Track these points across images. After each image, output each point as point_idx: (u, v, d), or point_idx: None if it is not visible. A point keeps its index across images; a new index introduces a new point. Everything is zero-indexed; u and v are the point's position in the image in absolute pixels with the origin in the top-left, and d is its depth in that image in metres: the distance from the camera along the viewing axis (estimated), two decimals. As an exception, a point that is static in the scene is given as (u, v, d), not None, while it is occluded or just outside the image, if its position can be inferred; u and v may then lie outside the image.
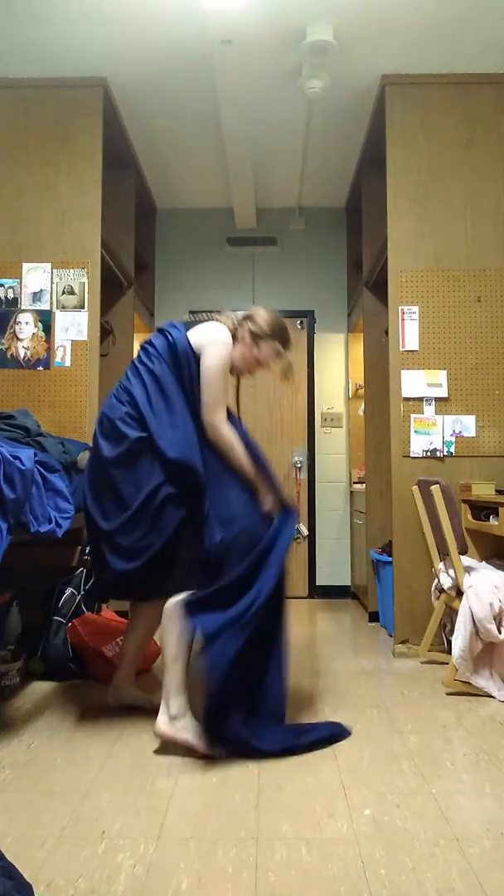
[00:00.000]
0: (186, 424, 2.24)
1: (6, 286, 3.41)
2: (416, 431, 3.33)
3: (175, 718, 2.09)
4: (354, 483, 4.73)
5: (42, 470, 2.33)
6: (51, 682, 2.80)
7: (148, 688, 2.69)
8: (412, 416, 3.33)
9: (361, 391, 4.51)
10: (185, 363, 2.27)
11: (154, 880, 1.43)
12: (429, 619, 3.08)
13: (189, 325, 2.36)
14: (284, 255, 5.07)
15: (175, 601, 2.12)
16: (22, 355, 3.37)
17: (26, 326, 3.39)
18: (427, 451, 3.32)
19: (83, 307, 3.40)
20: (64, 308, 3.40)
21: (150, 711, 2.40)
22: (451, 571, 2.81)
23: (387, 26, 3.09)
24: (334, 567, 4.89)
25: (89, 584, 3.10)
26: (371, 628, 3.88)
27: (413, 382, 3.34)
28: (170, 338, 2.31)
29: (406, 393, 3.34)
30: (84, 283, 3.40)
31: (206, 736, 2.05)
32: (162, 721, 2.08)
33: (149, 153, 4.26)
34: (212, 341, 2.30)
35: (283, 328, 2.43)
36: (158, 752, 2.09)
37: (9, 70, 3.42)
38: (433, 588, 3.12)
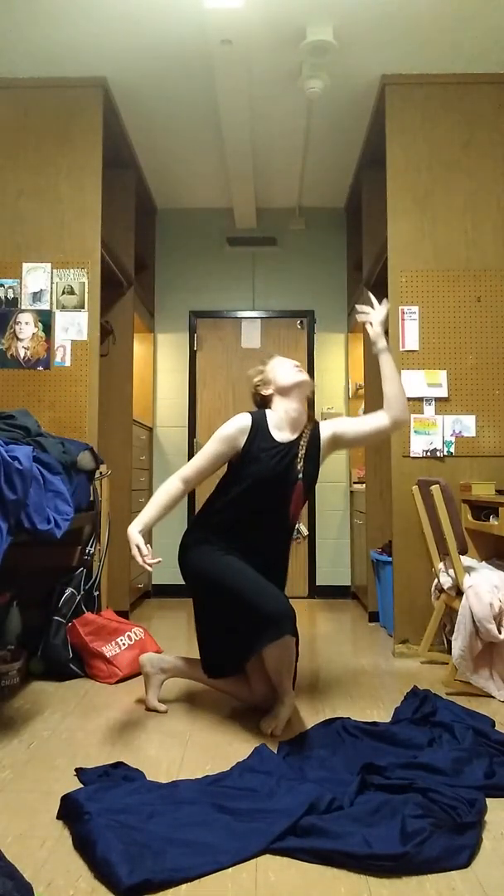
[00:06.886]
0: None
1: (6, 286, 3.41)
2: (416, 431, 3.33)
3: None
4: (354, 483, 4.73)
5: (43, 470, 2.33)
6: (51, 682, 2.80)
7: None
8: (412, 416, 3.33)
9: (361, 391, 4.51)
10: None
11: (154, 880, 1.43)
12: (429, 619, 3.08)
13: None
14: (284, 255, 5.07)
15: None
16: (22, 355, 3.37)
17: (26, 326, 3.39)
18: (427, 451, 3.32)
19: (83, 307, 3.40)
20: (64, 308, 3.40)
21: (153, 713, 2.42)
22: (451, 571, 2.81)
23: (387, 26, 3.09)
24: (334, 567, 4.89)
25: (89, 584, 3.10)
26: (371, 628, 3.88)
27: (413, 382, 3.34)
28: None
29: (406, 393, 3.34)
30: (84, 283, 3.40)
31: None
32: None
33: (149, 153, 4.26)
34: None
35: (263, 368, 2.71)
36: (158, 752, 2.09)
37: (9, 70, 3.42)
38: (433, 588, 3.12)
